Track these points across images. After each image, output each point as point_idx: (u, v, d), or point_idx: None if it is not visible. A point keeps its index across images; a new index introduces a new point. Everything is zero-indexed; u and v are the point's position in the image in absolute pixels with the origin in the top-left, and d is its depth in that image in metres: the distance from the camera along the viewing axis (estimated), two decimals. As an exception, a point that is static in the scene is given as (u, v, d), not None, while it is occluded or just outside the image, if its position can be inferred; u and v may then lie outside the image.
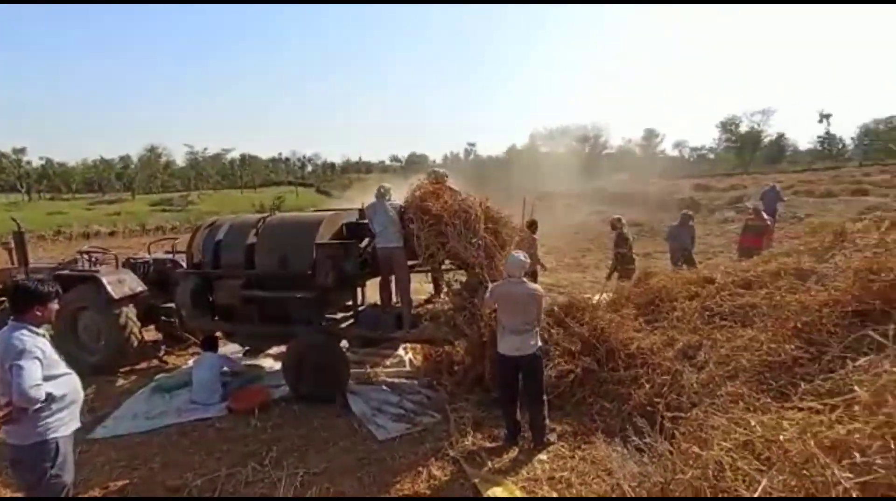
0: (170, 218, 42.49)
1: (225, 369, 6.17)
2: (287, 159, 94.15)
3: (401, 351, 7.03)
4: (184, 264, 7.31)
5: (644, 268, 7.81)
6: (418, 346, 6.85)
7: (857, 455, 1.65)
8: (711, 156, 70.70)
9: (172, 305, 6.98)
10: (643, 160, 62.18)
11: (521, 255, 4.59)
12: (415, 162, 78.71)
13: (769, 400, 3.16)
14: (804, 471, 1.85)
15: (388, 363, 6.77)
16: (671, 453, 2.74)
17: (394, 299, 6.38)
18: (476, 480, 4.08)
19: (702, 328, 5.23)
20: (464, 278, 5.75)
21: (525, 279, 4.49)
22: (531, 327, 4.41)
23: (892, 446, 1.57)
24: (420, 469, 4.31)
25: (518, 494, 3.89)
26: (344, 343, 6.34)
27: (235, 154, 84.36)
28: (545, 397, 4.56)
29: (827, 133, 62.19)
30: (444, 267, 5.99)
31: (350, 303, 6.21)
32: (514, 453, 4.43)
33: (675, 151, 74.64)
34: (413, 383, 6.09)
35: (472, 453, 4.44)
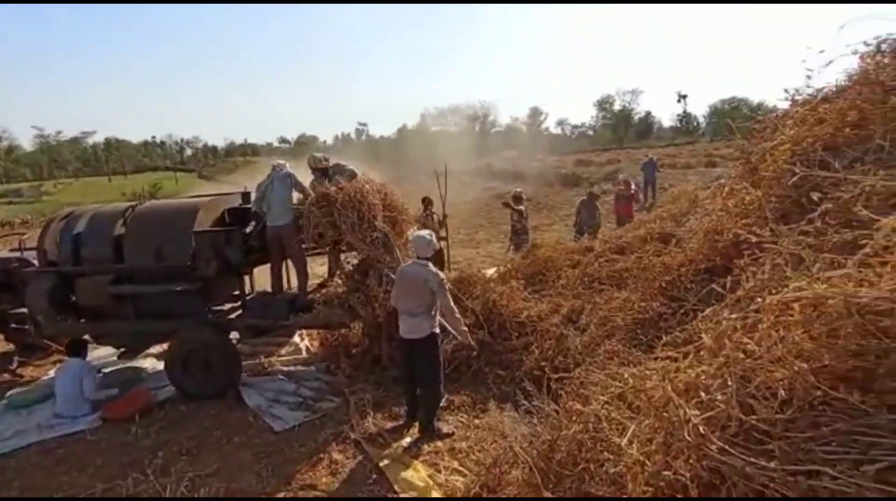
0: (18, 211, 36.99)
1: (97, 375, 5.57)
2: (162, 143, 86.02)
3: (296, 338, 6.81)
4: (36, 263, 6.43)
5: (532, 240, 8.20)
6: (314, 332, 6.68)
7: (703, 393, 1.88)
8: (591, 132, 75.38)
9: (24, 309, 6.14)
10: (529, 138, 64.89)
11: (427, 233, 4.46)
12: (304, 143, 75.46)
13: (640, 354, 3.49)
14: (664, 413, 2.07)
15: (283, 351, 6.54)
16: (557, 412, 2.93)
17: (286, 284, 6.18)
18: (378, 460, 4.10)
19: (583, 293, 5.64)
20: (356, 260, 5.67)
21: (428, 263, 4.34)
22: (425, 310, 4.30)
23: (729, 383, 1.80)
24: (321, 455, 4.24)
25: (421, 469, 3.97)
26: (235, 335, 6.01)
27: (98, 138, 75.37)
28: (440, 381, 4.47)
29: (684, 112, 68.93)
30: (337, 249, 5.87)
31: (237, 292, 5.89)
32: (415, 429, 4.50)
33: (558, 129, 78.72)
34: (310, 369, 5.94)
35: (373, 434, 4.44)
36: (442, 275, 4.39)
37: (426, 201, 8.29)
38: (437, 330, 4.39)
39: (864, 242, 1.99)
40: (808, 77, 3.30)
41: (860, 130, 3.00)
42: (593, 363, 3.67)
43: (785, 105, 3.79)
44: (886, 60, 3.12)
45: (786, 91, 3.60)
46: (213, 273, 5.30)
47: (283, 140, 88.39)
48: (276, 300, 5.77)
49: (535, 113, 75.94)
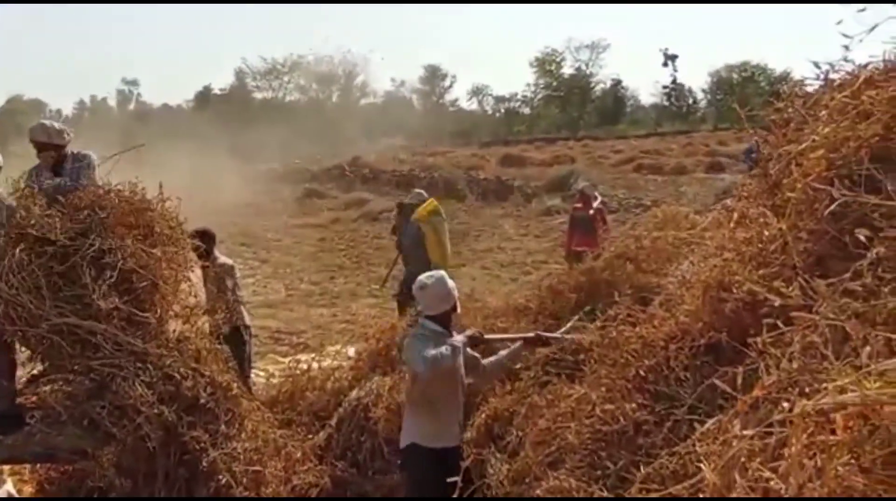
0: None
1: None
2: None
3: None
4: None
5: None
6: (26, 469, 6.41)
7: (703, 568, 1.98)
8: (527, 110, 77.86)
9: None
10: (424, 115, 66.19)
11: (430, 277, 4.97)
12: (19, 112, 71.33)
13: (604, 493, 3.61)
14: None
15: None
16: None
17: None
18: None
19: (512, 386, 5.76)
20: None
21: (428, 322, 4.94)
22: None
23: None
24: None
25: None
26: None
27: None
28: None
29: (674, 83, 73.82)
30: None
31: None
32: None
33: (471, 103, 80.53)
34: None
35: None
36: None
37: (203, 237, 7.55)
38: (415, 440, 4.95)
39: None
40: (846, 48, 3.68)
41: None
42: (529, 511, 3.75)
43: (815, 86, 4.20)
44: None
45: (816, 66, 3.97)
46: None
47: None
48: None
49: (434, 75, 77.59)
